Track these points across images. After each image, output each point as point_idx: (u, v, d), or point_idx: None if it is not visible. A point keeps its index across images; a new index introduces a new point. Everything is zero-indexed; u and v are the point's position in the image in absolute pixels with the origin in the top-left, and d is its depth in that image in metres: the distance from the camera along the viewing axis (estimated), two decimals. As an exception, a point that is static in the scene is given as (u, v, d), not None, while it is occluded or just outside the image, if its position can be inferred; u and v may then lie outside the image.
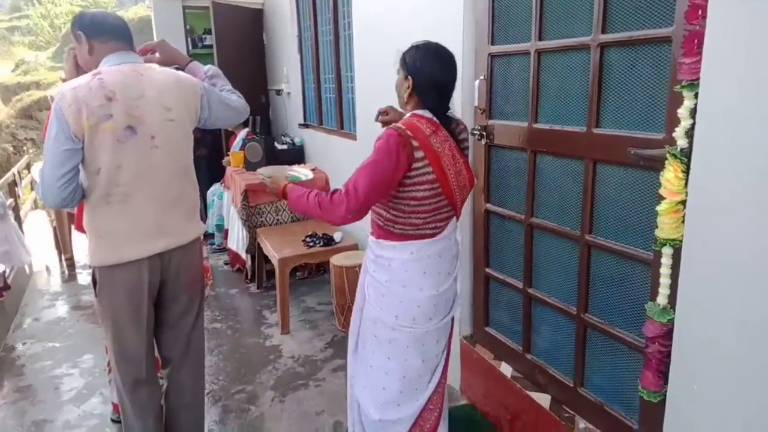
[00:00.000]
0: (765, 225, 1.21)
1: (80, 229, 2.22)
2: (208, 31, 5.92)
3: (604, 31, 1.73)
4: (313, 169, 4.32)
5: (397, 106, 1.93)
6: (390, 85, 2.35)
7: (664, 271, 1.59)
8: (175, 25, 5.83)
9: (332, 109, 4.36)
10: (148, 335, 2.03)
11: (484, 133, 2.35)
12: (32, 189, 5.73)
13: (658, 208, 1.54)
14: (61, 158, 1.75)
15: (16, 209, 5.12)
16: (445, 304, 1.88)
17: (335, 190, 1.71)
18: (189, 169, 2.06)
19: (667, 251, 1.56)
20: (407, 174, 1.65)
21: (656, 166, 1.59)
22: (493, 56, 2.26)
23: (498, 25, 2.22)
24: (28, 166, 6.54)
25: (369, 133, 3.46)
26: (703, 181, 1.39)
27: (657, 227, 1.57)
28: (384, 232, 1.80)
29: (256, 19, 5.93)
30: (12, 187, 5.13)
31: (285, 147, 5.01)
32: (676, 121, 1.49)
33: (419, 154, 1.65)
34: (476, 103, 2.38)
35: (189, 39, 6.15)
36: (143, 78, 1.88)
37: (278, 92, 5.59)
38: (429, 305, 1.81)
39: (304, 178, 2.25)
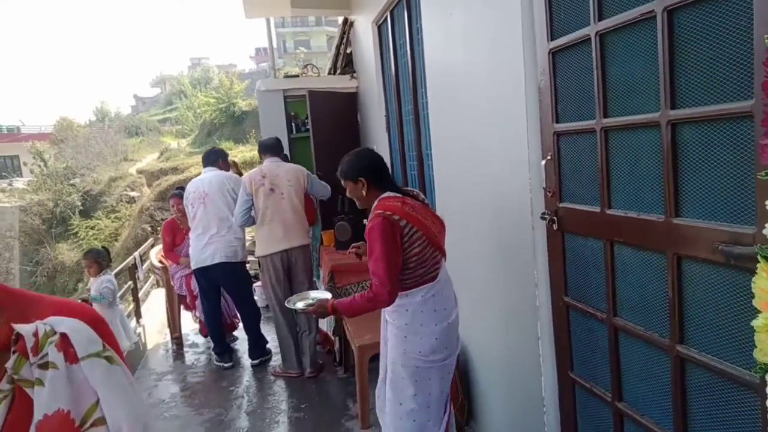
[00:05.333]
0: None
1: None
2: (310, 116, 6.24)
3: (673, 107, 1.48)
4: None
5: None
6: (461, 168, 2.96)
7: (773, 404, 1.23)
8: (278, 113, 6.22)
9: (416, 185, 4.30)
10: (285, 291, 4.03)
11: (555, 218, 2.11)
12: (153, 273, 6.20)
13: (754, 323, 1.22)
14: (243, 202, 3.93)
15: (135, 292, 5.55)
16: (454, 336, 2.30)
17: (371, 286, 2.14)
18: (300, 209, 4.09)
19: (773, 379, 1.22)
20: (403, 240, 2.09)
21: (750, 266, 1.28)
22: (558, 134, 2.05)
23: (561, 102, 2.02)
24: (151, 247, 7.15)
25: (447, 209, 3.32)
26: (810, 293, 1.07)
27: (756, 347, 1.24)
28: (400, 287, 2.17)
29: (351, 102, 6.16)
30: (132, 271, 5.58)
31: (375, 224, 4.99)
32: (766, 214, 1.19)
33: (402, 222, 2.10)
34: (544, 185, 2.15)
35: (294, 124, 6.53)
36: (279, 168, 4.05)
37: (370, 169, 5.67)
38: (444, 335, 2.21)
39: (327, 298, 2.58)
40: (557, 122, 2.04)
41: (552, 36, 1.98)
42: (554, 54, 1.99)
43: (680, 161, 1.50)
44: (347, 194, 2.34)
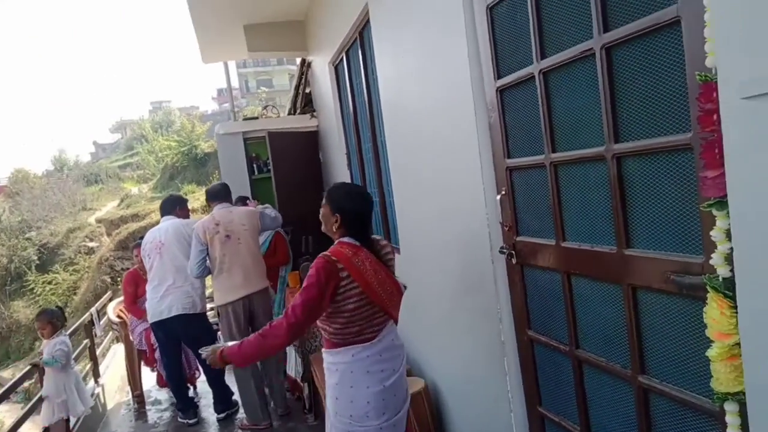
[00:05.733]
0: None
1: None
2: (272, 156, 6.20)
3: (617, 141, 1.51)
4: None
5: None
6: (420, 205, 2.96)
7: (733, 433, 1.23)
8: (238, 155, 6.18)
9: (379, 221, 4.29)
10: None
11: (513, 252, 2.12)
12: (111, 329, 5.94)
13: (709, 353, 1.23)
14: (198, 252, 3.75)
15: (92, 350, 5.29)
16: (394, 400, 2.11)
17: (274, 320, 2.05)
18: (258, 253, 4.02)
19: (731, 408, 1.22)
20: (337, 291, 1.99)
21: (702, 295, 1.29)
22: (511, 169, 2.08)
23: (512, 138, 2.05)
24: (109, 301, 6.86)
25: (410, 245, 3.31)
26: (757, 321, 1.08)
27: (712, 377, 1.24)
28: (331, 342, 2.09)
29: (312, 140, 6.18)
30: (89, 327, 5.35)
31: (340, 263, 4.94)
32: (712, 244, 1.21)
33: (344, 273, 1.99)
34: (501, 219, 2.17)
35: (255, 165, 6.49)
36: (231, 213, 3.91)
37: (334, 208, 5.65)
38: (378, 400, 2.05)
39: None
40: (509, 157, 2.07)
41: (498, 74, 2.02)
42: (501, 92, 2.03)
43: (628, 193, 1.53)
44: (320, 214, 2.21)
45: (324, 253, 2.06)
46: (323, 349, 2.16)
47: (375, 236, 2.26)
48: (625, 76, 1.46)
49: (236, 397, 4.37)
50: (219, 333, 5.24)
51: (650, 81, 1.38)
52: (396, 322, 2.20)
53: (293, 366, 4.47)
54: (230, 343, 2.16)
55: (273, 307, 4.61)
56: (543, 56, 1.75)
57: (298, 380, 4.38)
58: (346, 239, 2.11)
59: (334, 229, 2.15)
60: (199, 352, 2.21)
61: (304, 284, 2.00)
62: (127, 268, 5.71)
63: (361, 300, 2.02)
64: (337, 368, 2.08)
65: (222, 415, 4.29)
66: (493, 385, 2.39)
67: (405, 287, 2.24)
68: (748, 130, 1.03)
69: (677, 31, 1.26)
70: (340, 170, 5.23)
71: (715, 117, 1.15)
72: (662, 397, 1.53)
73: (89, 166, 35.94)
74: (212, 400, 4.36)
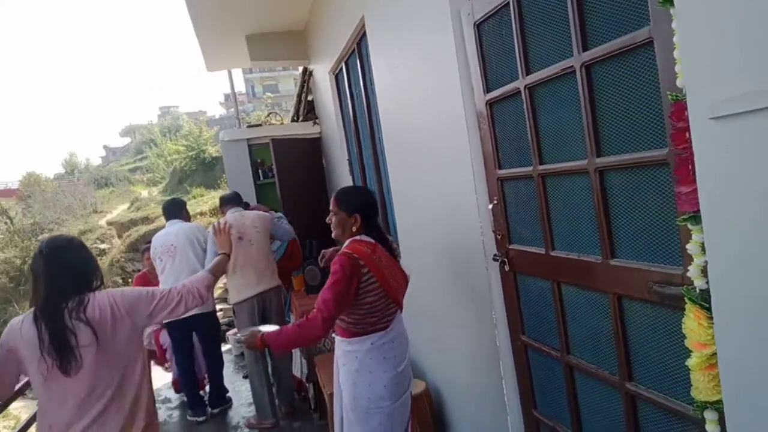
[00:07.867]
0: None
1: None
2: (277, 162, 6.25)
3: (599, 155, 1.55)
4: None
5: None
6: (418, 212, 3.09)
7: (713, 440, 1.26)
8: (243, 161, 6.25)
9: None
10: None
11: (506, 260, 2.16)
12: None
13: (688, 362, 1.26)
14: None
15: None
16: (404, 382, 2.31)
17: (307, 314, 2.15)
18: (269, 253, 4.20)
19: (710, 416, 1.26)
20: (359, 285, 2.12)
21: (682, 306, 1.33)
22: (501, 180, 2.12)
23: (502, 149, 2.09)
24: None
25: (410, 249, 3.35)
26: (732, 331, 1.12)
27: (692, 386, 1.27)
28: (349, 332, 2.22)
29: (315, 147, 6.23)
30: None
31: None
32: (690, 256, 1.25)
33: (365, 269, 2.13)
34: (493, 228, 2.21)
35: (260, 171, 6.55)
36: (243, 217, 4.07)
37: (337, 213, 5.70)
38: (393, 384, 2.23)
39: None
40: (500, 168, 2.11)
41: (488, 88, 2.06)
42: (491, 105, 2.07)
43: (611, 205, 1.56)
44: (331, 219, 2.29)
45: (345, 250, 2.16)
46: (339, 339, 2.27)
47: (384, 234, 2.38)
48: (605, 93, 1.50)
49: (230, 394, 4.73)
50: (229, 333, 5.42)
51: (628, 98, 1.42)
52: (402, 309, 2.33)
53: (299, 367, 4.55)
54: (266, 328, 2.31)
55: (285, 306, 4.75)
56: (528, 72, 1.79)
57: (303, 381, 4.46)
58: (360, 237, 2.22)
59: (354, 230, 2.23)
60: (236, 336, 2.41)
61: (331, 280, 2.10)
62: (138, 270, 5.76)
63: (378, 293, 2.16)
64: (356, 355, 2.21)
65: (217, 410, 4.56)
66: (491, 389, 2.43)
67: (409, 275, 2.39)
68: (717, 148, 1.06)
69: (651, 51, 1.30)
70: (342, 176, 5.28)
71: (687, 135, 1.18)
72: (649, 404, 1.56)
73: (99, 170, 36.43)
74: (209, 395, 4.65)
